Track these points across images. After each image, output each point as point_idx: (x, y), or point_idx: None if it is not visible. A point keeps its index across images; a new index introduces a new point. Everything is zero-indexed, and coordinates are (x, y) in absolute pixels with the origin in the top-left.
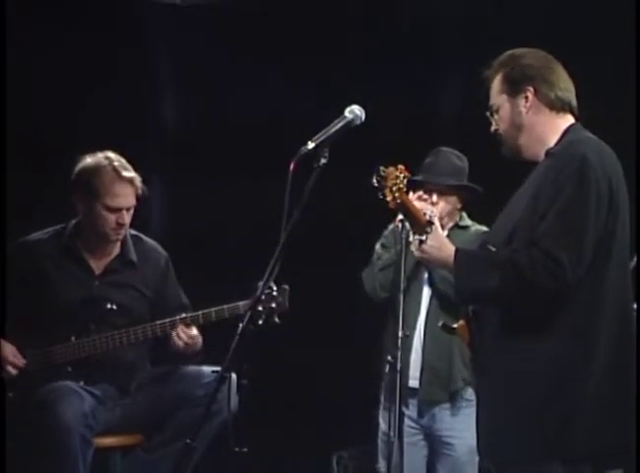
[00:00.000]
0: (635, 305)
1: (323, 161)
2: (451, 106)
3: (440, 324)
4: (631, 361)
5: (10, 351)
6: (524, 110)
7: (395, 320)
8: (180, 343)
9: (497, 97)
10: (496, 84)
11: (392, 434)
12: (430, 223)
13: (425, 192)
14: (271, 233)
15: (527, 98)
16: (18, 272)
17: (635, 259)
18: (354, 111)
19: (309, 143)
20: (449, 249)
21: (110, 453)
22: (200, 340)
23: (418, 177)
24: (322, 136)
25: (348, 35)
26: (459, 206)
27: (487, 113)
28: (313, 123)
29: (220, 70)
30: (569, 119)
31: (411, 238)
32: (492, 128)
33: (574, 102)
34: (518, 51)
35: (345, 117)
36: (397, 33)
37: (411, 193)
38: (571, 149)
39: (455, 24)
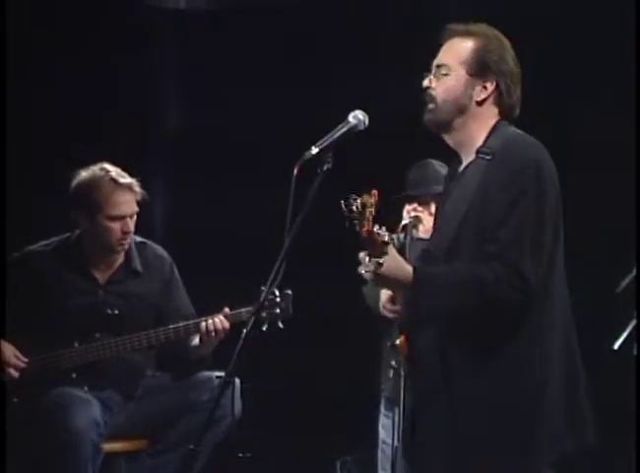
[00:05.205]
0: (635, 311)
1: (327, 166)
2: None
3: (389, 345)
4: (579, 362)
5: (11, 352)
6: (475, 97)
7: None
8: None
9: (455, 62)
10: (462, 48)
11: (395, 439)
12: (386, 243)
13: (420, 204)
14: (274, 237)
15: (485, 87)
16: (21, 282)
17: (635, 269)
18: (358, 117)
19: (313, 148)
20: (407, 269)
21: (115, 458)
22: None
23: (416, 192)
24: (326, 141)
25: (348, 36)
26: None
27: (434, 67)
28: (317, 127)
29: (223, 73)
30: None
31: (366, 262)
32: (425, 84)
33: (516, 113)
34: (505, 40)
35: (348, 122)
36: (399, 34)
37: (406, 205)
38: (516, 151)
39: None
